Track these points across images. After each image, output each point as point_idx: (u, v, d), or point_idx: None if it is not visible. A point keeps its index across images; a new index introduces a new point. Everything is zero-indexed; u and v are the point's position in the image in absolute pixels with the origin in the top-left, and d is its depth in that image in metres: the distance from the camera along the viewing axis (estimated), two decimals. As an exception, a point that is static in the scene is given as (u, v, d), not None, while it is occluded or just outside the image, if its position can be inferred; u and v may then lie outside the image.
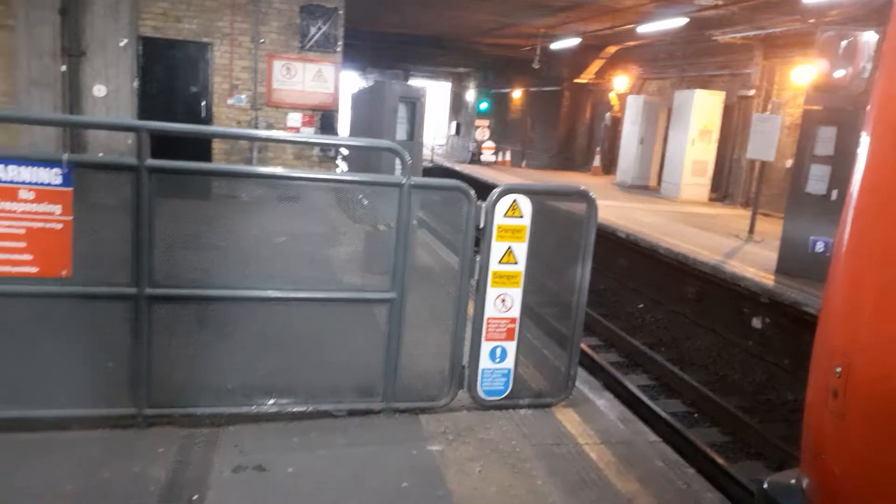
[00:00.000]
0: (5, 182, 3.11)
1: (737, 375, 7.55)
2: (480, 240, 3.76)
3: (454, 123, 29.82)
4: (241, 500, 2.85)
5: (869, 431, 2.15)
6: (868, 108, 2.38)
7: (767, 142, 9.50)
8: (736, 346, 7.84)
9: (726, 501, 3.24)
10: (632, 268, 10.35)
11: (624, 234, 10.20)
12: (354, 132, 9.96)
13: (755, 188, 10.74)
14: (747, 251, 9.26)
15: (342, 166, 13.70)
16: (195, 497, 2.83)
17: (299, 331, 3.71)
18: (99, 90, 10.05)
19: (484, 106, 25.33)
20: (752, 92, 13.97)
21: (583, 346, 7.36)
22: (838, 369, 2.19)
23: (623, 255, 10.46)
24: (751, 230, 10.16)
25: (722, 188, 15.12)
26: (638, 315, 9.69)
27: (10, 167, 3.08)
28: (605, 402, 4.18)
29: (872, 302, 2.15)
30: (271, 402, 3.61)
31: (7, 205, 3.13)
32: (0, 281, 3.19)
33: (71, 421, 3.29)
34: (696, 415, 6.71)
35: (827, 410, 2.32)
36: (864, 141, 2.31)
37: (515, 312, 3.89)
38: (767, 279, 7.63)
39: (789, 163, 10.63)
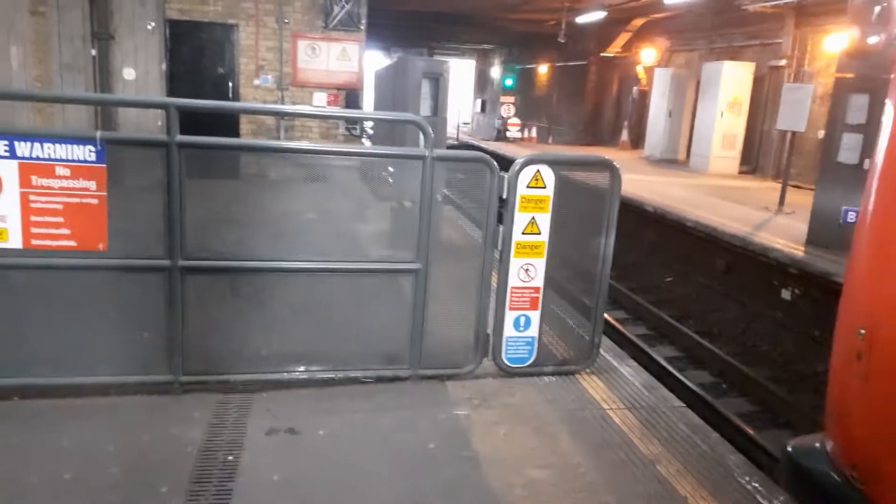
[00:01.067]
0: (42, 159, 3.22)
1: (766, 347, 7.52)
2: (503, 211, 3.80)
3: (479, 101, 29.62)
4: (274, 460, 2.95)
5: (893, 393, 2.16)
6: (893, 75, 2.35)
7: (798, 112, 9.33)
8: (765, 317, 7.79)
9: (750, 464, 3.26)
10: (660, 242, 10.29)
11: (651, 207, 10.13)
12: (379, 109, 10.00)
13: (786, 160, 10.55)
14: (777, 223, 9.14)
15: (367, 144, 13.77)
16: (230, 458, 2.95)
17: (328, 300, 3.80)
18: (129, 73, 10.23)
19: (509, 82, 25.15)
20: (783, 62, 13.67)
21: (609, 318, 7.39)
22: (862, 331, 2.21)
23: (651, 229, 10.40)
24: (781, 202, 10.01)
25: (752, 161, 14.88)
26: (666, 288, 9.65)
27: (46, 145, 3.20)
28: (629, 370, 4.22)
29: None
30: (302, 368, 3.72)
31: (45, 181, 3.25)
32: (41, 254, 3.33)
33: (111, 387, 3.42)
34: (723, 385, 6.71)
35: (851, 372, 2.33)
36: (889, 108, 2.29)
37: (539, 282, 3.93)
38: (798, 250, 7.55)
39: (821, 133, 10.43)
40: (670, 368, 6.72)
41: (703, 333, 7.89)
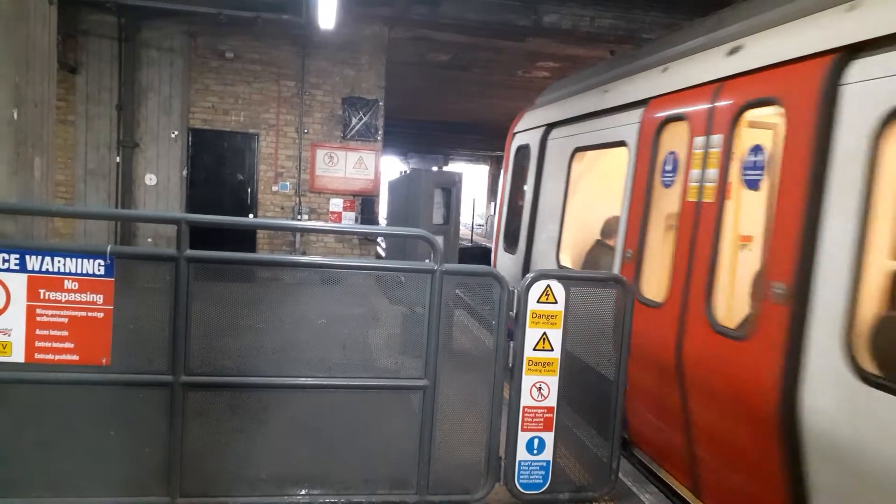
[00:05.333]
0: (51, 273, 3.22)
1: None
2: (513, 325, 3.72)
3: (493, 204, 30.17)
4: None
5: None
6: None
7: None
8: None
9: None
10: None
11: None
12: (392, 216, 10.17)
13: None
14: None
15: (381, 245, 13.91)
16: None
17: (332, 418, 3.67)
18: (150, 179, 10.53)
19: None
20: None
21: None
22: None
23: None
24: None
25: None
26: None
27: (57, 259, 3.20)
28: (650, 497, 3.98)
29: None
30: (303, 492, 3.54)
31: (52, 294, 3.24)
32: (43, 369, 3.26)
33: (103, 510, 3.26)
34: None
35: None
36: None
37: (552, 401, 3.78)
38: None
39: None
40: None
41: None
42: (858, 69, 3.03)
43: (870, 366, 2.84)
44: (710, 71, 4.21)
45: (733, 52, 4.04)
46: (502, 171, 7.78)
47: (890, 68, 2.85)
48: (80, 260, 3.24)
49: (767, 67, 3.66)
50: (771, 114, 3.73)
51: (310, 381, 3.61)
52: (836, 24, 3.24)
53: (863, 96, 2.98)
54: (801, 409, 3.09)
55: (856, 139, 2.97)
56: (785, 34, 3.66)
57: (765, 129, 3.96)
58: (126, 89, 10.30)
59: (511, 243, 7.27)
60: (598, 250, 5.97)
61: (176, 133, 10.58)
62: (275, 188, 11.15)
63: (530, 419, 3.75)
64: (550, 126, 6.68)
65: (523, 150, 7.25)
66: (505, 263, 7.31)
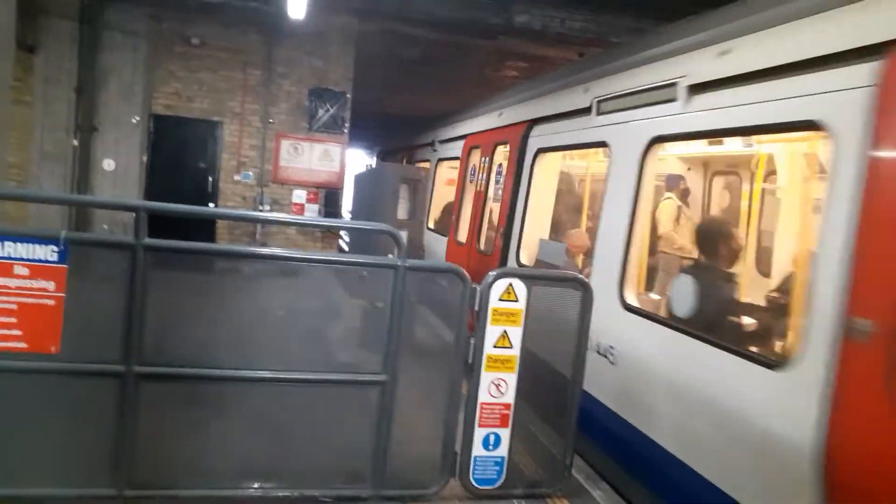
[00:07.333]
0: (1, 258, 3.12)
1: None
2: (475, 322, 3.74)
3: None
4: None
5: None
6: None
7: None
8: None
9: None
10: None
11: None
12: (357, 209, 10.11)
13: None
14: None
15: (345, 239, 13.81)
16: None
17: (289, 412, 3.65)
18: (108, 164, 10.27)
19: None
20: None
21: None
22: None
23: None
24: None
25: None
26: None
27: (7, 243, 3.11)
28: (601, 494, 4.04)
29: None
30: (256, 485, 3.51)
31: (1, 280, 3.14)
32: (-13, 355, 3.16)
33: (49, 500, 3.18)
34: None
35: None
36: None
37: (510, 398, 3.82)
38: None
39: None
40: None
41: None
42: (534, 130, 6.96)
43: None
44: (489, 124, 8.70)
45: (500, 114, 8.33)
46: None
47: (540, 132, 6.81)
48: (31, 245, 3.15)
49: (507, 126, 7.83)
50: (506, 149, 7.62)
51: (267, 374, 3.57)
52: (528, 109, 7.33)
53: (532, 142, 6.91)
54: None
55: (528, 163, 6.90)
56: (516, 110, 7.81)
57: (504, 157, 7.66)
58: (86, 72, 10.01)
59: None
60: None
61: (137, 118, 10.33)
62: (237, 177, 10.98)
63: (487, 415, 3.77)
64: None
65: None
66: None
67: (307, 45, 10.95)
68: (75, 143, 10.07)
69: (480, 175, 8.37)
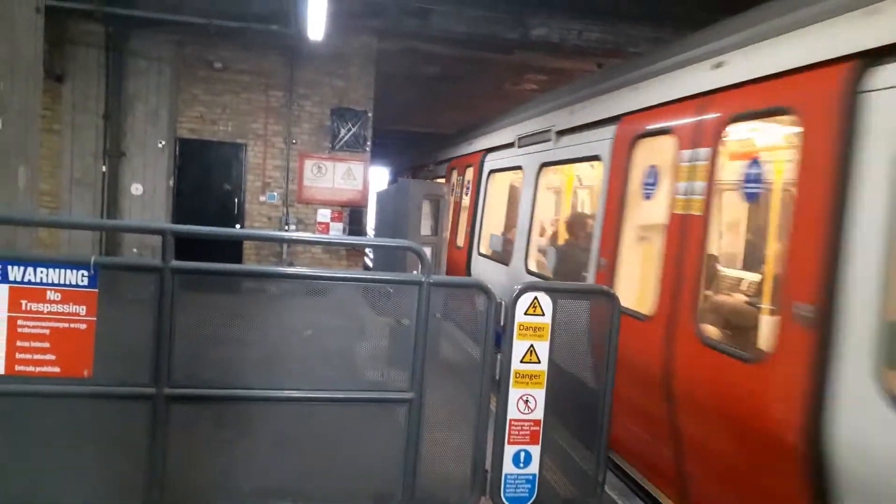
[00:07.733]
0: (34, 284, 3.18)
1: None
2: (501, 337, 3.71)
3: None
4: None
5: None
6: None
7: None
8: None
9: None
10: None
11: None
12: (381, 226, 10.16)
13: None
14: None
15: (369, 256, 13.86)
16: None
17: (318, 430, 3.64)
18: (136, 189, 10.46)
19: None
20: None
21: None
22: None
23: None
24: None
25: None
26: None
27: (39, 269, 3.16)
28: (635, 510, 3.97)
29: None
30: (286, 507, 3.50)
31: (34, 305, 3.19)
32: (23, 381, 3.21)
33: (82, 525, 3.20)
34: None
35: None
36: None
37: (539, 414, 3.77)
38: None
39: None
40: None
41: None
42: (488, 157, 9.63)
43: None
44: (463, 151, 11.26)
45: (470, 143, 10.87)
46: None
47: (491, 158, 9.52)
48: (63, 270, 3.20)
49: (472, 153, 10.45)
50: (472, 169, 10.19)
51: (295, 393, 3.57)
52: (484, 140, 9.95)
53: (487, 165, 9.56)
54: None
55: (484, 180, 9.58)
56: (478, 140, 10.27)
57: (470, 176, 10.17)
58: (113, 98, 10.24)
59: None
60: None
61: (163, 143, 10.52)
62: (262, 198, 11.11)
63: (517, 432, 3.73)
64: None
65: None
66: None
67: (328, 65, 11.09)
68: (104, 168, 10.28)
69: (457, 190, 11.11)
